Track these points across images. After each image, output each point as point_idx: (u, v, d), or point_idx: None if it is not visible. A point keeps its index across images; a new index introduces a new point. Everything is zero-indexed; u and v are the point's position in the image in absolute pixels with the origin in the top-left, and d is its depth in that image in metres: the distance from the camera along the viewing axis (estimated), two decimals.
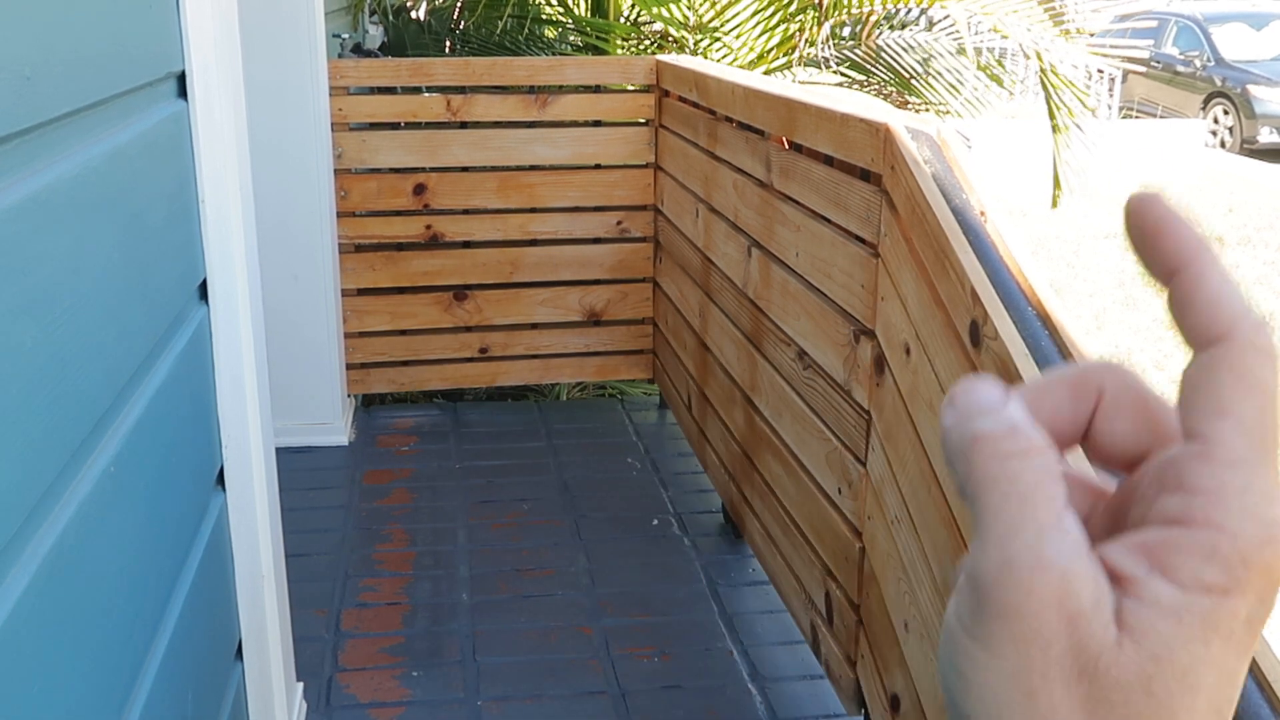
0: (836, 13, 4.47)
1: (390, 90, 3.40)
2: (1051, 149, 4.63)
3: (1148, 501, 0.29)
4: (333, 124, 3.25)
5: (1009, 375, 1.38)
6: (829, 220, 2.06)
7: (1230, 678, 0.28)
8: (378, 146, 3.38)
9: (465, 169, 3.45)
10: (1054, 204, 4.85)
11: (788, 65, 4.52)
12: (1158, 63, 13.36)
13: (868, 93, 4.79)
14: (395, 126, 3.42)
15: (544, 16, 5.03)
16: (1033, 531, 0.27)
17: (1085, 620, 0.27)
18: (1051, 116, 4.55)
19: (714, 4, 4.56)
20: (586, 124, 3.48)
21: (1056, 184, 4.71)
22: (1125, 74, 12.24)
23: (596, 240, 3.57)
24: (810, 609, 2.22)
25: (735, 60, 4.52)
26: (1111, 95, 12.98)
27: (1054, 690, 0.27)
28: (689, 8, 4.59)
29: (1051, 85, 4.43)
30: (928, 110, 4.78)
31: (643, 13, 4.77)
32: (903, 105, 4.68)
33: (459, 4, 4.94)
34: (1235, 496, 0.27)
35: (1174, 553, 0.27)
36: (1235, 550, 0.27)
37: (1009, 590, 0.27)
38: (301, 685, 2.14)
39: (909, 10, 4.75)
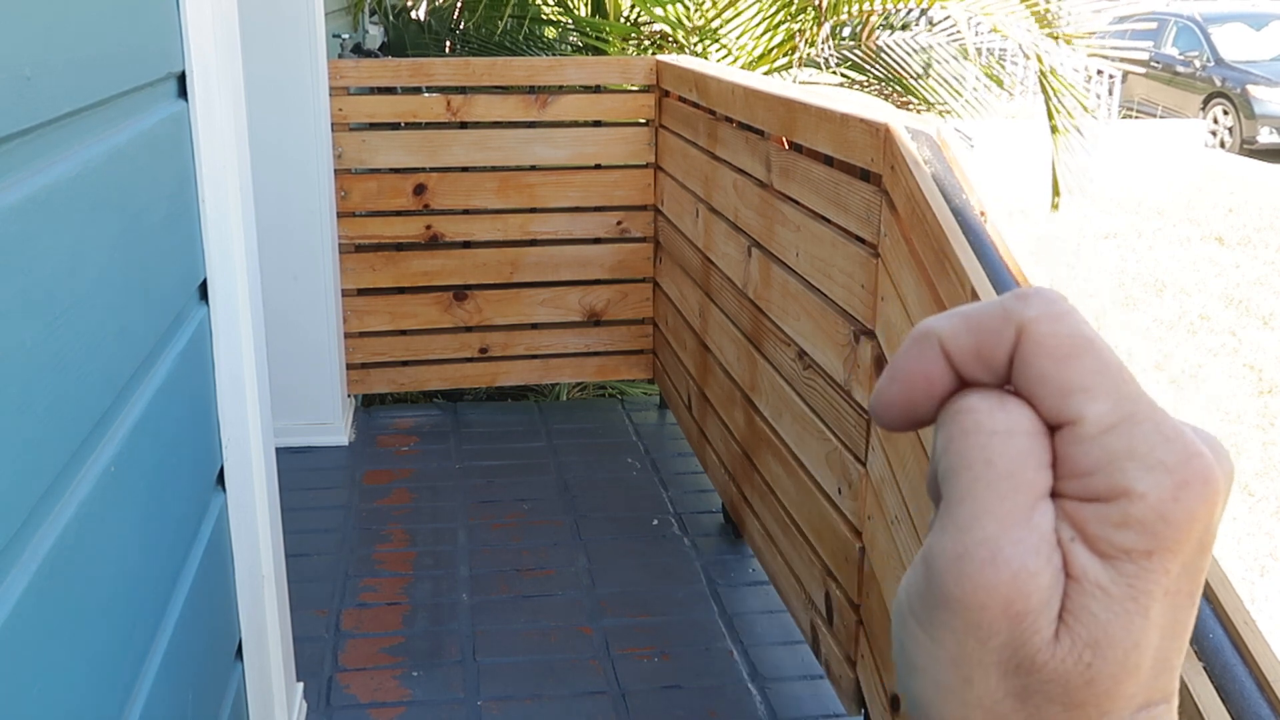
0: (836, 14, 4.47)
1: (390, 90, 3.40)
2: (1051, 152, 4.62)
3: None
4: (333, 124, 3.25)
5: None
6: (829, 220, 2.06)
7: (1176, 630, 0.27)
8: (378, 146, 3.38)
9: (465, 169, 3.45)
10: (1054, 207, 4.85)
11: (788, 66, 4.52)
12: (1157, 63, 13.36)
13: (868, 93, 4.79)
14: (395, 126, 3.42)
15: (544, 17, 5.03)
16: (995, 525, 0.26)
17: (1030, 619, 0.26)
18: (1051, 119, 4.54)
19: (714, 5, 4.56)
20: (586, 124, 3.48)
21: (1055, 188, 4.71)
22: (1125, 74, 12.24)
23: (596, 240, 3.57)
24: (810, 609, 2.22)
25: (735, 61, 4.52)
26: (1111, 96, 12.98)
27: (990, 679, 0.27)
28: (689, 8, 4.59)
29: (1051, 88, 4.43)
30: (928, 111, 4.79)
31: (642, 13, 4.77)
32: (903, 106, 4.69)
33: (459, 4, 4.94)
34: (1126, 460, 0.26)
35: (1091, 524, 0.26)
36: (1149, 510, 0.26)
37: (957, 583, 0.26)
38: (301, 685, 2.14)
39: (909, 11, 4.75)
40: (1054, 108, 4.49)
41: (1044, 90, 4.48)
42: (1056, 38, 4.31)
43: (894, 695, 1.81)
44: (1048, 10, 4.37)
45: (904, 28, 5.11)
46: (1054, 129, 4.55)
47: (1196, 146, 11.59)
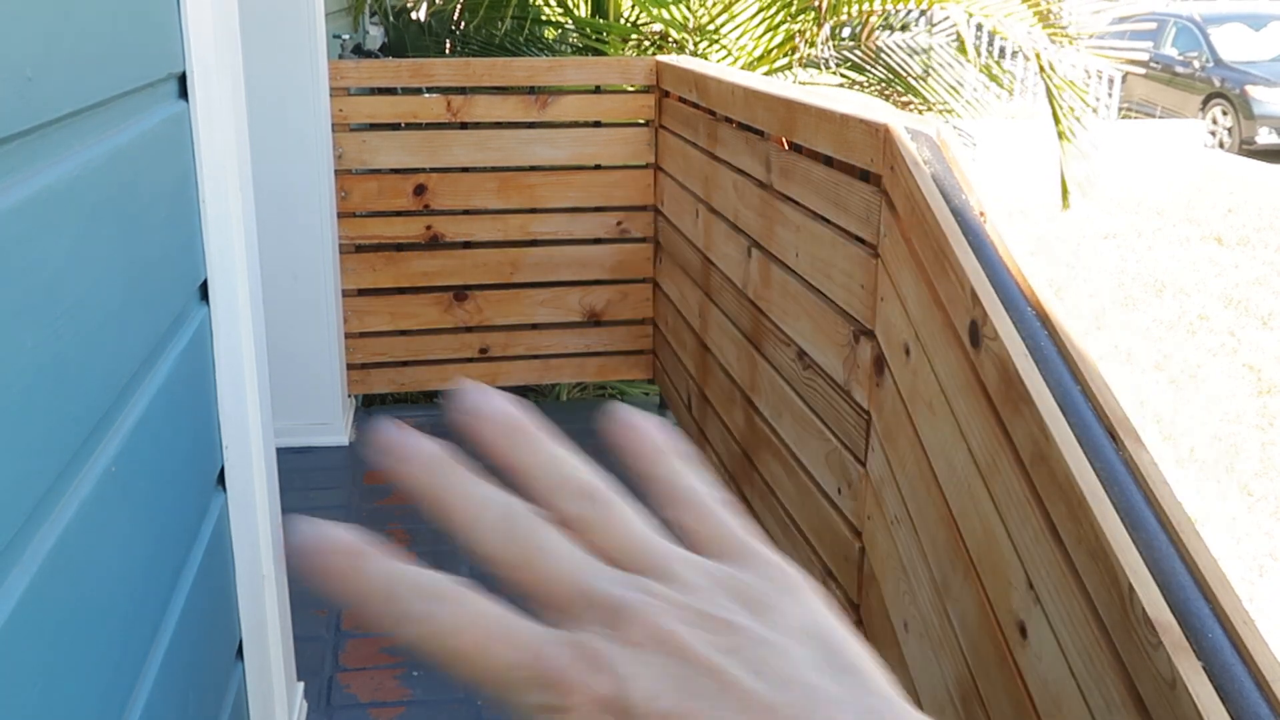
0: (836, 14, 4.47)
1: (391, 91, 3.40)
2: (1059, 155, 4.61)
3: None
4: (333, 124, 3.25)
5: (1009, 375, 1.38)
6: (829, 221, 2.06)
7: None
8: (378, 147, 3.38)
9: (465, 169, 3.45)
10: (1065, 206, 4.85)
11: (788, 66, 4.53)
12: (1157, 63, 13.36)
13: (868, 94, 4.79)
14: (396, 127, 3.42)
15: (544, 18, 5.03)
16: None
17: None
18: (1057, 122, 4.53)
19: (715, 5, 4.56)
20: (586, 124, 3.48)
21: (1064, 190, 4.70)
22: (1125, 75, 12.24)
23: (596, 241, 3.57)
24: None
25: (735, 61, 4.52)
26: (1111, 96, 12.99)
27: None
28: (689, 8, 4.60)
29: (1055, 88, 4.42)
30: (928, 111, 4.79)
31: (642, 14, 4.78)
32: (903, 106, 4.69)
33: (459, 5, 4.94)
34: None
35: None
36: None
37: None
38: (302, 685, 2.14)
39: (909, 11, 4.75)
40: (1058, 109, 4.48)
41: (1048, 91, 4.48)
42: (1057, 38, 4.31)
43: None
44: (1048, 10, 4.37)
45: (904, 28, 5.11)
46: (1061, 133, 4.54)
47: (1196, 147, 11.60)
